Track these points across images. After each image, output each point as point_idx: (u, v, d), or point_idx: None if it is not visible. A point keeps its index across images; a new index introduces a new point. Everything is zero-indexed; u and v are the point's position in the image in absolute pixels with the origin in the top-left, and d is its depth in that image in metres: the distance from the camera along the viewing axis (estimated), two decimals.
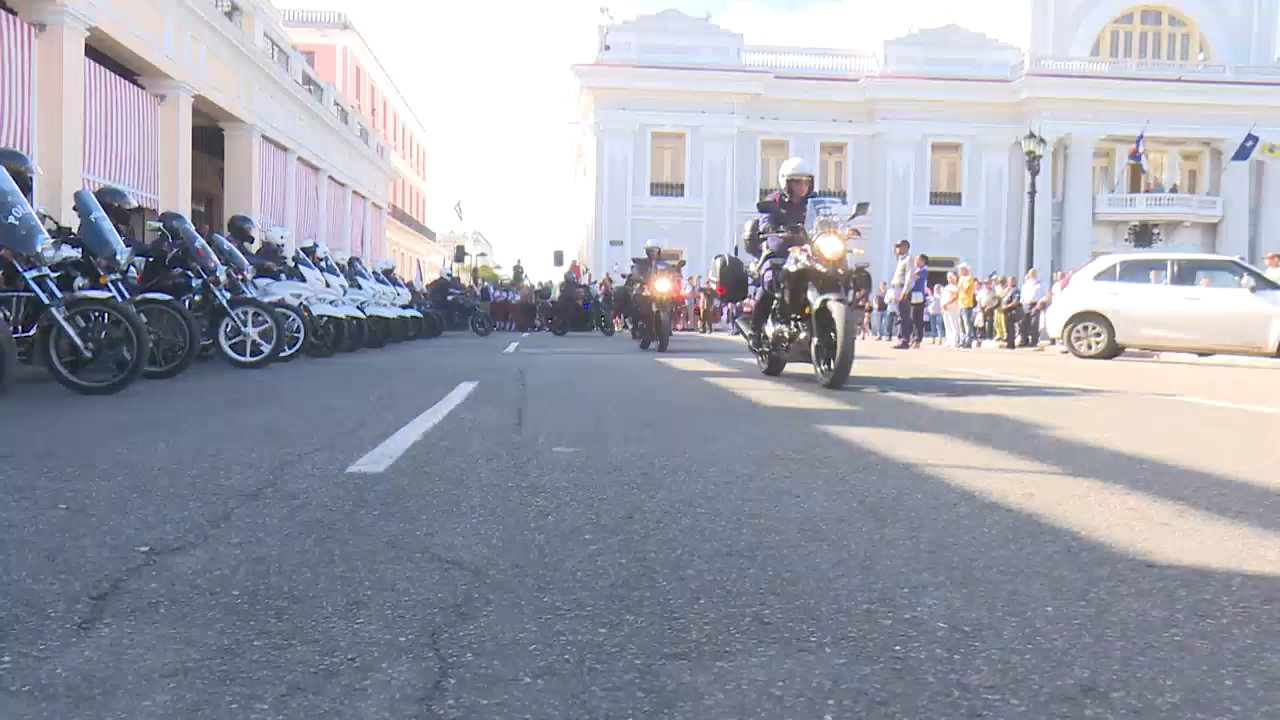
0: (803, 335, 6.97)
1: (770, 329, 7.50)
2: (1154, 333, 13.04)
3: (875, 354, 13.81)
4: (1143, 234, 37.67)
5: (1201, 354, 13.61)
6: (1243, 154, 33.11)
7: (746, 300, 8.97)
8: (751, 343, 7.89)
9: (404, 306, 16.25)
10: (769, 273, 7.39)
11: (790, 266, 6.91)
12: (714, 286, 9.14)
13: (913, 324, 17.91)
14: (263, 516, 2.33)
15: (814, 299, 6.62)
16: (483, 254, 60.12)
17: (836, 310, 6.38)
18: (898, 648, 1.46)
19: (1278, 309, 11.98)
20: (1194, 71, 38.00)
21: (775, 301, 7.37)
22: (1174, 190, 39.14)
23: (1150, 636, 1.51)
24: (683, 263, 12.03)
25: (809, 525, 2.30)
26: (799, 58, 38.70)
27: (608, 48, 36.76)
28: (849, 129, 38.15)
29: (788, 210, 7.40)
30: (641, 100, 36.43)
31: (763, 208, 7.65)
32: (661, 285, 13.66)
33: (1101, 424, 4.64)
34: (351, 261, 15.40)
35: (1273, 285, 12.67)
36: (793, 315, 7.13)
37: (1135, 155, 35.26)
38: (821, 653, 1.44)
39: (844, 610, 1.64)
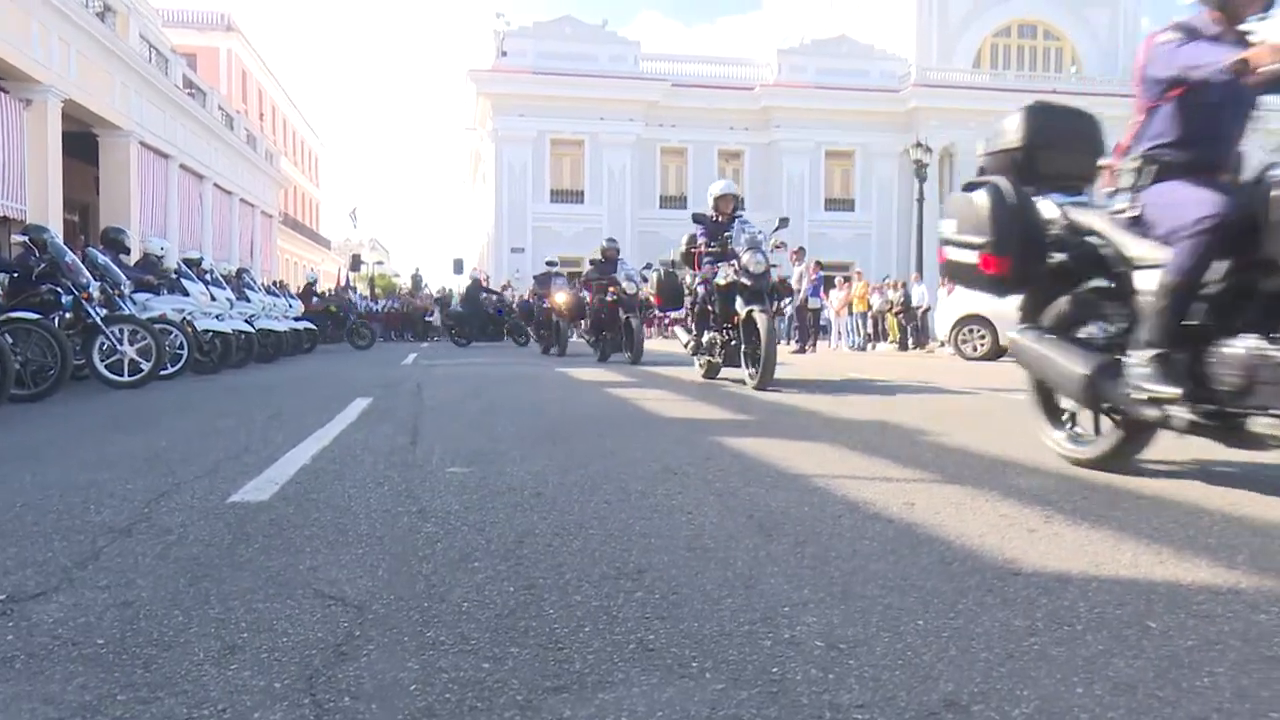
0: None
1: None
2: None
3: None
4: None
5: None
6: None
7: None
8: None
9: (296, 319, 15.81)
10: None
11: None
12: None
13: (809, 329, 18.31)
14: (134, 555, 2.24)
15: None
16: (380, 262, 58.99)
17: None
18: (775, 669, 1.49)
19: None
20: (1067, 84, 39.92)
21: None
22: None
23: (1011, 646, 1.59)
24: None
25: (698, 543, 2.34)
26: (696, 66, 39.16)
27: (504, 54, 36.53)
28: (746, 136, 38.77)
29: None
30: (539, 107, 36.30)
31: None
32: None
33: (979, 427, 4.83)
34: (239, 273, 14.92)
35: None
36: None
37: None
38: (701, 678, 1.46)
39: (726, 632, 1.67)
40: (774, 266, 7.49)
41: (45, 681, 1.46)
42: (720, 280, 7.66)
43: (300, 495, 3.00)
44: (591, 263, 14.22)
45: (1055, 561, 2.14)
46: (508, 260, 35.70)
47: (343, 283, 34.43)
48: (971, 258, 3.55)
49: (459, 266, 37.01)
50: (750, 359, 7.40)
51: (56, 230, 10.44)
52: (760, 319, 7.15)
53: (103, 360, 7.89)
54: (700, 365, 8.57)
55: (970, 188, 3.64)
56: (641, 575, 2.05)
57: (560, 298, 14.62)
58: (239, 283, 13.61)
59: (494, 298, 21.57)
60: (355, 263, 39.03)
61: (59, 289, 7.59)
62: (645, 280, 11.78)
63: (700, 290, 8.21)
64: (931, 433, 4.59)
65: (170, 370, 8.70)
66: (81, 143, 17.93)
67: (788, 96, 37.89)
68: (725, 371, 8.31)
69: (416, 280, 36.65)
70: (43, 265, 7.55)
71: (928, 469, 3.49)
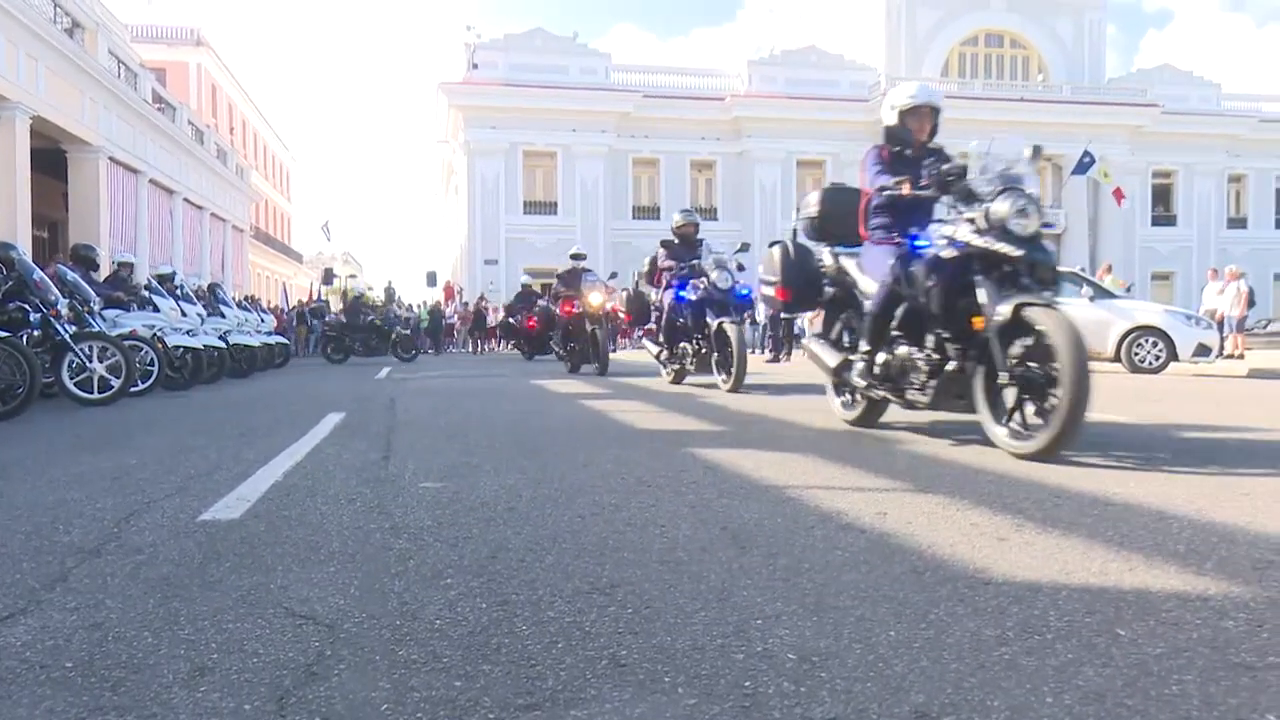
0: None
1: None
2: None
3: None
4: None
5: None
6: (1081, 169, 35.26)
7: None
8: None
9: (269, 334, 15.71)
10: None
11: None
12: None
13: (783, 338, 18.38)
14: (103, 576, 2.21)
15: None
16: (353, 275, 58.58)
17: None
18: (748, 683, 1.50)
19: (1114, 316, 12.86)
20: (1034, 92, 40.50)
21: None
22: None
23: (982, 656, 1.60)
24: None
25: (671, 557, 2.34)
26: (667, 77, 39.35)
27: (475, 66, 36.51)
28: (717, 147, 38.96)
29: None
30: (511, 119, 36.30)
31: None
32: None
33: (948, 435, 4.86)
34: (212, 287, 14.81)
35: (1109, 294, 13.59)
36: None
37: None
38: (674, 693, 1.46)
39: (699, 646, 1.68)
40: (1050, 228, 4.37)
41: (13, 705, 1.44)
42: (943, 250, 4.24)
43: (272, 513, 2.98)
44: (663, 245, 10.04)
45: (1026, 570, 2.16)
46: (481, 272, 35.62)
47: (315, 296, 34.20)
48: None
49: (432, 279, 36.71)
50: (993, 397, 4.13)
51: (25, 247, 10.31)
52: (1050, 322, 3.77)
53: (72, 378, 7.80)
54: (846, 404, 5.43)
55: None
56: (614, 590, 2.05)
57: (595, 298, 11.83)
58: (211, 298, 13.50)
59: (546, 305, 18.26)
60: (328, 276, 38.70)
61: (27, 306, 7.51)
62: (742, 268, 8.95)
63: (896, 268, 4.51)
64: (904, 441, 4.62)
65: (141, 387, 8.60)
66: (50, 159, 17.76)
67: (758, 107, 38.13)
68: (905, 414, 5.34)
69: (389, 293, 36.43)
70: (10, 283, 7.45)
71: (900, 478, 3.51)
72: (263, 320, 15.79)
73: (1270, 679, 1.48)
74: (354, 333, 19.42)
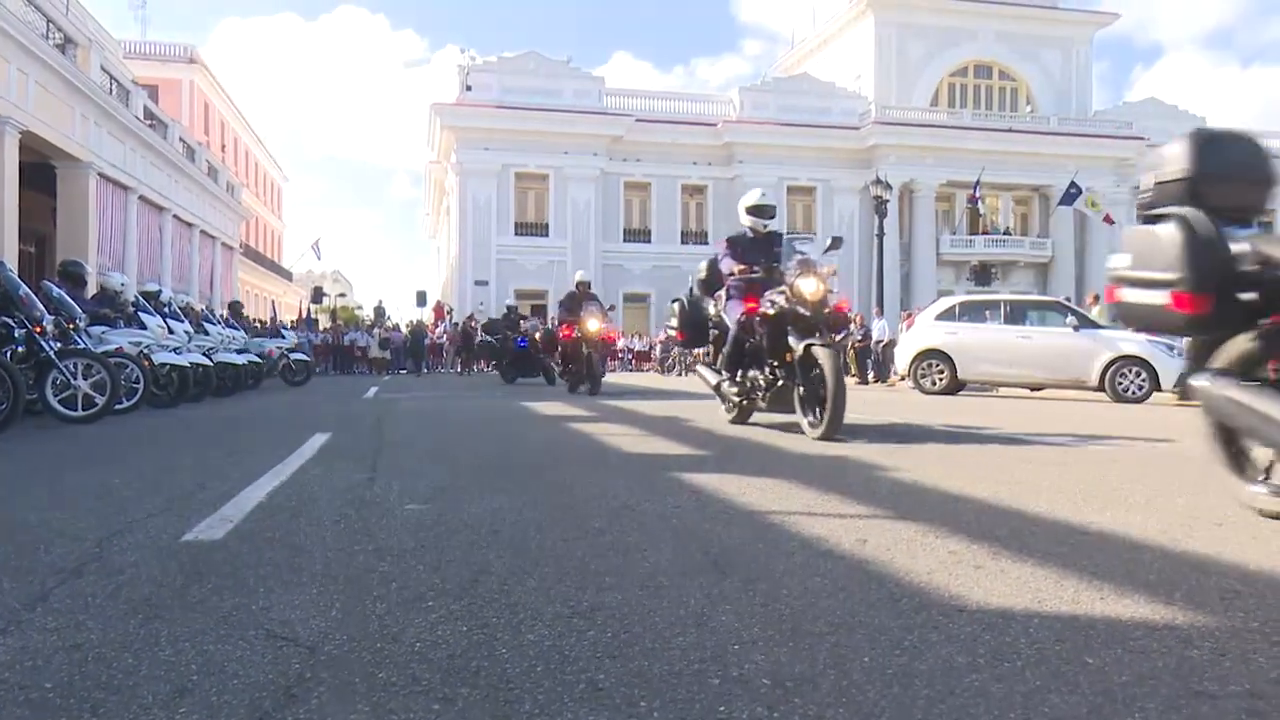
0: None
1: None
2: (991, 369, 13.89)
3: None
4: (982, 273, 40.14)
5: (1033, 388, 14.56)
6: (1068, 200, 35.75)
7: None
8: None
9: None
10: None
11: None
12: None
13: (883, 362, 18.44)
14: (84, 596, 2.22)
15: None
16: (342, 294, 58.59)
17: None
18: (722, 708, 1.52)
19: (1099, 346, 12.97)
20: (1023, 123, 41.00)
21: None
22: (1008, 232, 41.96)
23: (953, 683, 1.62)
24: None
25: (652, 581, 2.36)
26: (660, 102, 39.70)
27: (469, 88, 36.74)
28: (709, 171, 39.27)
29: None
30: (504, 140, 36.52)
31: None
32: None
33: (932, 463, 4.90)
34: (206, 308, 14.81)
35: (1094, 324, 13.71)
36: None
37: (973, 200, 37.64)
38: (649, 718, 1.48)
39: (676, 671, 1.70)
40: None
41: None
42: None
43: (255, 533, 2.98)
44: (729, 242, 7.56)
45: (999, 598, 2.19)
46: (472, 293, 35.68)
47: (304, 315, 34.19)
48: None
49: (422, 299, 36.94)
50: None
51: (12, 262, 10.30)
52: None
53: (56, 395, 7.77)
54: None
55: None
56: (595, 614, 2.07)
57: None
58: (198, 315, 13.48)
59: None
60: (317, 295, 38.77)
61: (11, 322, 7.49)
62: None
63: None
64: (887, 468, 4.65)
65: (126, 404, 8.57)
66: (39, 173, 17.74)
67: (750, 133, 38.48)
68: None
69: (379, 312, 36.47)
70: None
71: (882, 505, 3.54)
72: (248, 340, 15.75)
73: (1229, 706, 1.51)
74: (506, 354, 17.98)
